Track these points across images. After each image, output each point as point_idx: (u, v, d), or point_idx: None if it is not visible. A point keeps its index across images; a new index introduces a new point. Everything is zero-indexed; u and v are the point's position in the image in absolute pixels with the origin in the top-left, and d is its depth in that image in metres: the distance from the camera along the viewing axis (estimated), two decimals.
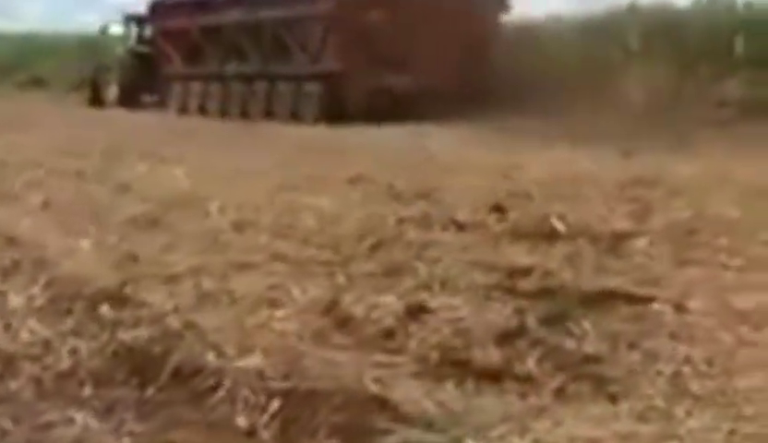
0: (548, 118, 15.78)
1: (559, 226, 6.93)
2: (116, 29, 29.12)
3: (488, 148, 13.19)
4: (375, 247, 6.55)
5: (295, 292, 5.37)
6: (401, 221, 7.58)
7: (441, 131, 16.00)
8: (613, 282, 5.36)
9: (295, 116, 20.38)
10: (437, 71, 19.47)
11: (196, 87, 23.76)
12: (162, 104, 25.06)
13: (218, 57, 23.31)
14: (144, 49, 27.31)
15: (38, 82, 30.87)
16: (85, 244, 6.86)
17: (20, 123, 16.95)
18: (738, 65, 18.33)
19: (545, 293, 5.18)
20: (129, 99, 26.74)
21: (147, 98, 26.70)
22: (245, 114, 21.54)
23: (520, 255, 6.17)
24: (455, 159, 11.64)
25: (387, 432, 3.26)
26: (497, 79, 19.51)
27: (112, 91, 27.64)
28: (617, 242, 6.51)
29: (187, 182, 9.44)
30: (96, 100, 27.79)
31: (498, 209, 7.92)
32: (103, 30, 30.28)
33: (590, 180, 9.69)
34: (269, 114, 20.96)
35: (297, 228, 7.29)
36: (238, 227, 7.33)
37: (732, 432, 3.47)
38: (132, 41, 28.21)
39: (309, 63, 20.97)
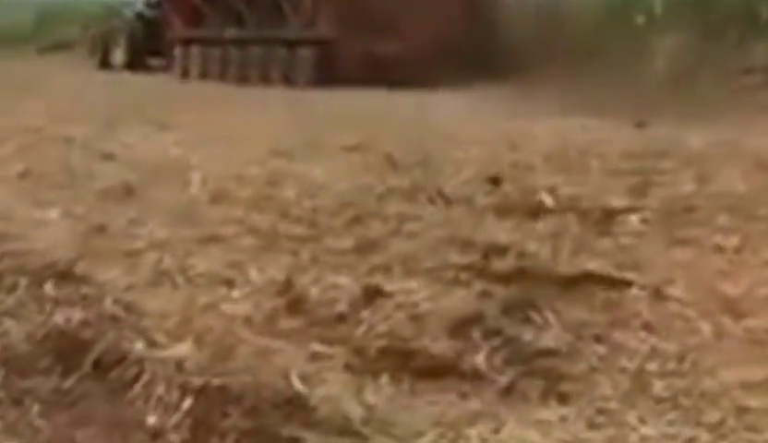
0: (561, 86, 15.24)
1: (548, 201, 6.55)
2: None
3: (495, 116, 12.73)
4: (352, 222, 6.20)
5: (254, 271, 5.04)
6: (387, 192, 7.22)
7: (444, 98, 15.49)
8: (592, 264, 4.98)
9: (289, 82, 19.93)
10: (436, 36, 18.83)
11: (196, 51, 23.21)
12: (168, 69, 24.61)
13: (216, 21, 22.76)
14: (151, 12, 26.80)
15: (60, 47, 30.49)
16: (53, 215, 6.56)
17: (26, 87, 16.69)
18: (765, 30, 17.72)
19: (517, 275, 4.81)
20: (136, 63, 26.25)
21: (154, 62, 26.11)
22: (243, 79, 21.04)
23: (501, 232, 5.80)
24: (460, 127, 11.21)
25: (295, 440, 2.91)
26: (506, 45, 18.95)
27: (119, 55, 27.13)
28: (607, 219, 6.12)
29: (177, 149, 9.11)
30: (106, 63, 27.34)
31: (495, 180, 7.54)
32: None
33: (596, 151, 9.26)
34: (265, 79, 20.46)
35: (277, 199, 6.94)
36: (216, 198, 6.99)
37: (690, 440, 3.10)
38: (139, 4, 27.62)
39: (303, 28, 20.53)
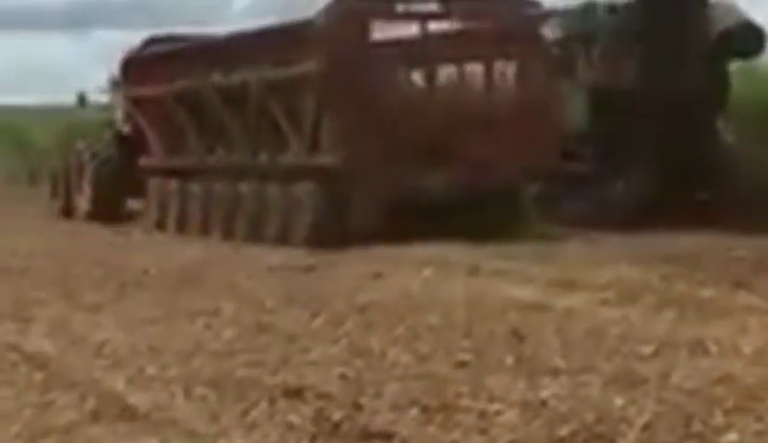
0: None
1: None
2: (103, 96, 22.95)
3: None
4: None
5: None
6: None
7: (538, 269, 11.20)
8: None
9: (284, 234, 15.49)
10: (505, 158, 14.86)
11: (174, 188, 18.54)
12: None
13: (202, 144, 18.20)
14: (129, 129, 21.05)
15: None
16: None
17: None
18: None
19: None
20: (107, 206, 20.58)
21: (134, 203, 20.62)
22: (227, 232, 16.65)
23: None
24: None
25: None
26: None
27: (84, 196, 21.09)
28: None
29: None
30: (70, 210, 21.43)
31: None
32: (82, 100, 24.17)
33: None
34: (255, 235, 16.07)
35: None
36: None
37: None
38: (119, 118, 21.50)
39: (302, 151, 15.69)
